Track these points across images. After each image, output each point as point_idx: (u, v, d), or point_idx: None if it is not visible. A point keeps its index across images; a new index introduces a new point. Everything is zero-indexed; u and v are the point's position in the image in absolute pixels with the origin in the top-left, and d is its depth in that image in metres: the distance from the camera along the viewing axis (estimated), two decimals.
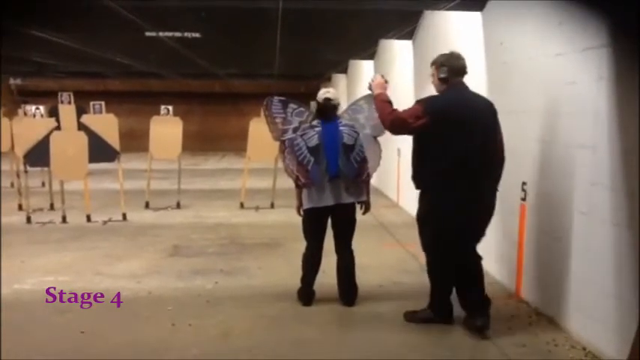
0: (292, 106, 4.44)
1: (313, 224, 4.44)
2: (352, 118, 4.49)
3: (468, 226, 3.79)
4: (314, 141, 4.30)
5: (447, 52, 3.90)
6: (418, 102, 3.80)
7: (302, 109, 4.46)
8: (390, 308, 4.47)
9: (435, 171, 3.72)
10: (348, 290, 4.48)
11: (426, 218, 3.89)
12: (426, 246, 4.01)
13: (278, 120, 4.42)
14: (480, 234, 3.89)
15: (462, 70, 3.79)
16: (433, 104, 3.73)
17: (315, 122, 4.37)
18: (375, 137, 4.51)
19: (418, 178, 3.85)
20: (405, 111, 3.79)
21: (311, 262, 4.47)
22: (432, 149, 3.71)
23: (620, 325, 3.31)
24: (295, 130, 4.38)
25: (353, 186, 4.37)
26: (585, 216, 3.67)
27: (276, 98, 4.46)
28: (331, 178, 4.29)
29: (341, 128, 4.36)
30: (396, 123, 3.80)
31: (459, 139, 3.62)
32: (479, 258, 3.96)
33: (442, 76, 3.78)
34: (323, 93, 4.41)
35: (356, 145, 4.35)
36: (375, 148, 4.51)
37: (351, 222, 4.47)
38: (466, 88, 3.82)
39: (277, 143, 4.57)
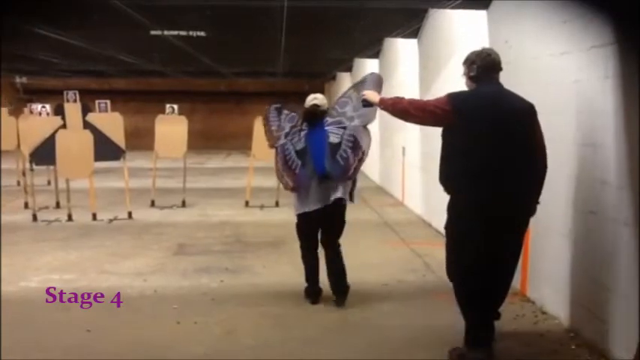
0: (285, 112, 4.50)
1: (304, 227, 4.48)
2: (339, 113, 4.41)
3: (488, 237, 3.34)
4: (300, 144, 4.37)
5: (478, 49, 3.60)
6: (448, 94, 3.53)
7: (294, 114, 4.49)
8: (394, 307, 4.48)
9: (456, 172, 3.43)
10: (337, 283, 4.46)
11: (447, 228, 3.56)
12: (448, 264, 3.59)
13: (273, 127, 4.49)
14: (505, 251, 3.44)
15: (492, 67, 3.48)
16: (458, 96, 3.48)
17: (303, 126, 4.41)
18: (364, 126, 4.41)
19: (443, 179, 3.53)
20: (430, 99, 3.63)
21: (308, 262, 4.51)
22: (456, 148, 3.43)
23: (627, 324, 3.30)
24: (287, 135, 4.43)
25: (340, 184, 4.33)
26: (592, 215, 3.66)
27: (272, 106, 4.55)
28: (319, 180, 4.29)
29: (326, 128, 4.36)
30: (417, 107, 3.58)
31: (482, 139, 3.32)
32: (507, 276, 3.54)
33: (472, 74, 3.49)
34: (311, 99, 4.44)
35: (342, 142, 4.32)
36: (365, 137, 4.41)
37: (339, 219, 4.44)
38: (499, 86, 3.49)
39: None
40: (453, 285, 3.57)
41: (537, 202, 3.49)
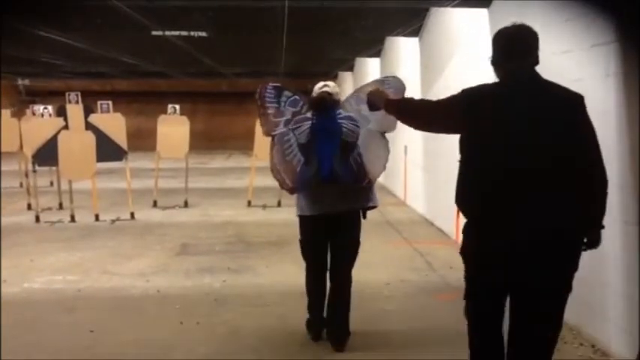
0: (287, 93, 3.66)
1: (307, 235, 3.76)
2: (355, 109, 3.61)
3: (511, 279, 2.52)
4: (305, 137, 3.55)
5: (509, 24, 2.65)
6: (462, 90, 2.70)
7: (297, 97, 3.66)
8: (397, 306, 4.48)
9: (471, 191, 2.60)
10: (334, 330, 3.72)
11: (462, 254, 2.71)
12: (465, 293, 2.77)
13: (270, 111, 3.62)
14: (540, 293, 2.51)
15: (513, 53, 2.56)
16: (470, 90, 2.63)
17: (309, 114, 3.61)
18: (382, 134, 3.65)
19: (458, 200, 2.67)
20: (443, 98, 2.78)
21: (312, 288, 3.82)
22: (473, 161, 2.59)
23: (630, 322, 3.30)
24: (287, 122, 3.60)
25: (352, 191, 3.60)
26: None
27: (270, 84, 3.68)
28: (323, 183, 3.53)
29: (340, 121, 3.56)
30: (429, 109, 2.80)
31: (500, 147, 2.48)
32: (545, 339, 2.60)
33: (491, 60, 2.66)
34: (321, 86, 3.68)
35: (357, 142, 3.58)
36: (381, 147, 3.65)
37: (349, 238, 3.68)
38: (528, 75, 2.56)
39: None
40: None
41: (600, 227, 2.54)
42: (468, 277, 2.69)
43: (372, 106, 3.12)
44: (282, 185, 3.64)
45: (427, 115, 2.81)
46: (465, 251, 2.68)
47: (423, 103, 2.89)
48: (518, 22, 2.59)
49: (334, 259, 3.73)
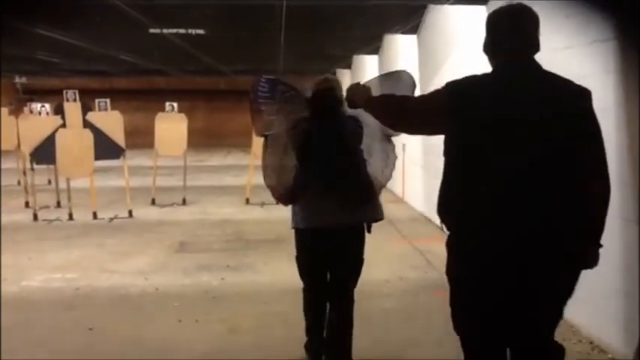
0: (281, 88, 3.25)
1: (304, 252, 3.26)
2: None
3: (499, 303, 2.23)
4: (302, 139, 3.11)
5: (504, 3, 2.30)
6: (446, 83, 2.32)
7: (293, 92, 3.25)
8: (396, 304, 4.48)
9: (455, 200, 2.26)
10: (335, 355, 3.28)
11: (448, 273, 2.38)
12: (454, 318, 2.39)
13: (264, 107, 3.24)
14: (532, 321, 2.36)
15: (507, 37, 2.19)
16: (455, 83, 2.26)
17: (307, 113, 3.20)
18: (387, 136, 3.30)
19: (441, 210, 2.35)
20: (427, 93, 2.42)
21: (311, 309, 3.35)
22: (455, 164, 2.25)
23: (628, 319, 3.30)
24: (282, 121, 3.24)
25: (355, 202, 3.11)
26: None
27: (264, 77, 3.29)
28: (322, 192, 3.07)
29: (341, 122, 3.15)
30: (413, 105, 2.45)
31: (493, 149, 2.12)
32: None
33: (483, 46, 2.30)
34: (320, 81, 3.22)
35: (361, 146, 3.20)
36: (387, 152, 3.32)
37: (352, 256, 3.24)
38: (525, 64, 2.20)
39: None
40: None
41: (597, 245, 2.27)
42: (457, 302, 2.33)
43: (351, 102, 2.69)
44: (274, 194, 3.27)
45: (407, 113, 2.39)
46: (455, 272, 2.31)
47: (403, 100, 2.52)
48: (515, 1, 2.22)
49: (334, 278, 3.29)
